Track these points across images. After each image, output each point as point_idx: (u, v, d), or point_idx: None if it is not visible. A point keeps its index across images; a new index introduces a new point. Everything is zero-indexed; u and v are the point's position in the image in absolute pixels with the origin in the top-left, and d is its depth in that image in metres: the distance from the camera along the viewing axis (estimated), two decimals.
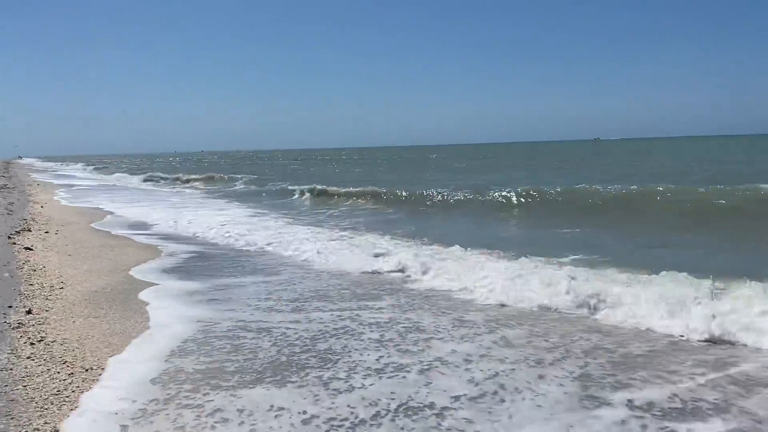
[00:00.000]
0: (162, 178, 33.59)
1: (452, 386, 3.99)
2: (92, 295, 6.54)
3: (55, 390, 3.90)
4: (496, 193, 15.24)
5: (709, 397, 3.71)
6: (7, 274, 7.27)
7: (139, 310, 5.92)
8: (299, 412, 3.62)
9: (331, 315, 5.78)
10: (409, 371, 4.28)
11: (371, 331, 5.25)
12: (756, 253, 8.40)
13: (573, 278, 6.20)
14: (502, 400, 3.77)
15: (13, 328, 5.17)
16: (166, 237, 11.03)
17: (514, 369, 4.30)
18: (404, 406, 3.71)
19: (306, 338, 5.06)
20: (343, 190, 18.99)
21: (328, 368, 4.36)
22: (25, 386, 3.94)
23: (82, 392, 3.88)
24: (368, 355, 4.63)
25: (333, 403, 3.77)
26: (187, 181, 30.88)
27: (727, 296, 5.34)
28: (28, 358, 4.47)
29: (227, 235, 10.99)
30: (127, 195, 23.06)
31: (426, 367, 4.36)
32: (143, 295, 6.52)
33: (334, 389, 3.98)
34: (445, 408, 3.67)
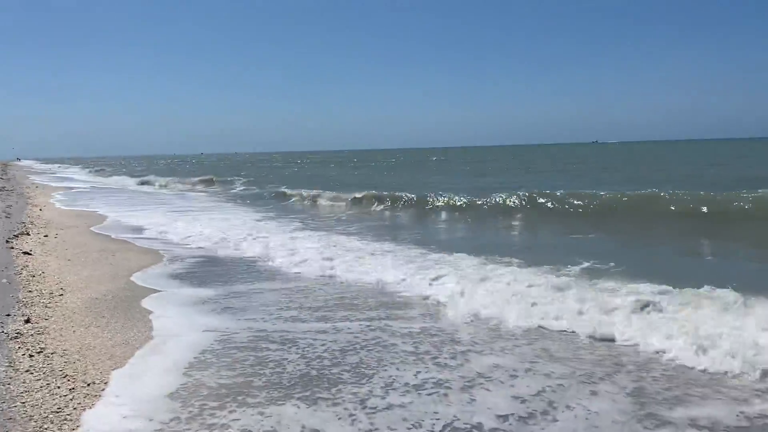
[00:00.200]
0: (163, 180, 33.26)
1: (498, 404, 3.74)
2: (93, 302, 6.32)
3: (56, 407, 3.68)
4: (509, 198, 14.76)
5: None
6: (5, 280, 7.05)
7: (142, 319, 5.70)
8: None
9: (360, 325, 5.51)
10: (450, 387, 4.02)
11: (404, 342, 4.98)
12: None
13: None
14: (555, 420, 3.53)
15: (11, 339, 4.96)
16: (168, 241, 10.79)
17: (562, 384, 4.05)
18: (449, 427, 3.47)
19: (335, 350, 4.82)
20: (347, 195, 18.43)
21: (363, 384, 4.11)
22: (23, 403, 3.72)
23: (84, 409, 3.67)
24: (404, 369, 4.36)
25: (372, 423, 3.53)
26: (190, 183, 30.56)
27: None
28: (26, 371, 4.25)
29: (232, 241, 10.74)
30: (127, 198, 22.81)
31: (468, 383, 4.09)
32: (146, 303, 6.30)
33: (372, 407, 3.74)
34: (493, 429, 3.44)
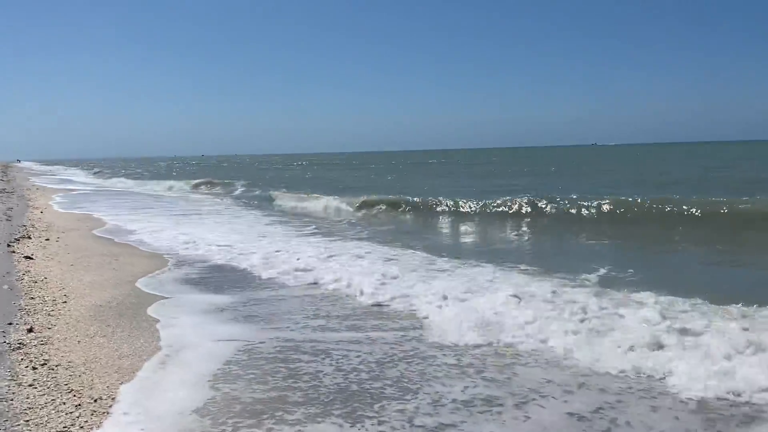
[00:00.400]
0: (164, 182, 33.04)
1: (555, 423, 3.50)
2: (97, 310, 6.11)
3: (62, 425, 3.46)
4: (526, 202, 14.32)
5: None
6: (6, 287, 6.85)
7: (149, 328, 5.48)
8: None
9: (394, 335, 5.25)
10: (502, 404, 3.77)
11: (444, 354, 4.72)
12: None
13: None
14: None
15: (13, 350, 4.74)
16: (172, 245, 10.55)
17: (620, 400, 3.81)
18: None
19: (371, 362, 4.57)
20: (356, 199, 17.72)
21: (408, 400, 3.86)
22: (27, 421, 3.51)
23: (92, 428, 3.46)
24: (450, 384, 4.11)
25: None
26: (192, 185, 30.29)
27: None
28: (30, 385, 4.03)
29: (241, 245, 10.53)
30: (129, 200, 22.60)
31: (522, 399, 3.84)
32: (152, 311, 6.08)
33: (421, 426, 3.49)
34: None
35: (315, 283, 7.31)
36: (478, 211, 14.91)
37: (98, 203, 20.55)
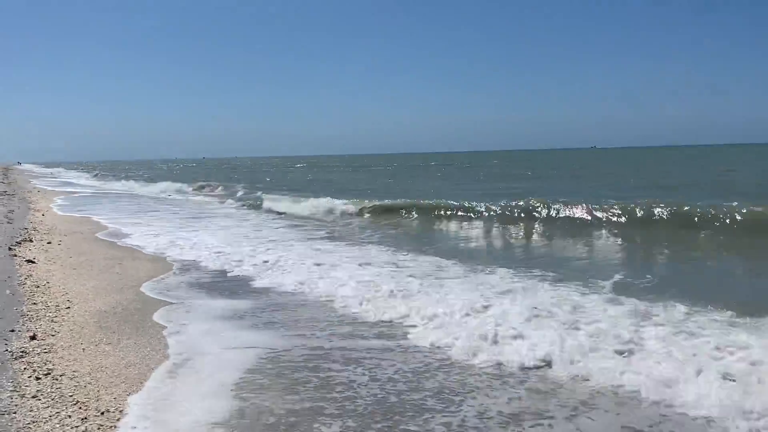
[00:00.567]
0: (166, 184, 32.83)
1: None
2: (102, 316, 5.94)
3: None
4: (538, 205, 13.65)
5: None
6: (8, 292, 6.67)
7: (155, 335, 5.31)
8: None
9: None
10: (553, 417, 3.61)
11: (480, 365, 4.53)
12: None
13: None
14: None
15: (15, 358, 4.57)
16: (177, 249, 10.38)
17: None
18: None
19: (407, 371, 4.39)
20: (364, 203, 16.99)
21: (452, 412, 3.68)
22: None
23: None
24: (494, 395, 3.93)
25: None
26: (194, 188, 30.07)
27: None
28: (33, 397, 3.86)
29: (248, 249, 10.35)
30: (130, 203, 22.43)
31: (572, 412, 3.67)
32: (158, 317, 5.91)
33: None
34: None
35: (331, 298, 6.64)
36: (492, 214, 14.14)
37: (100, 206, 20.38)
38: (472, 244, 11.51)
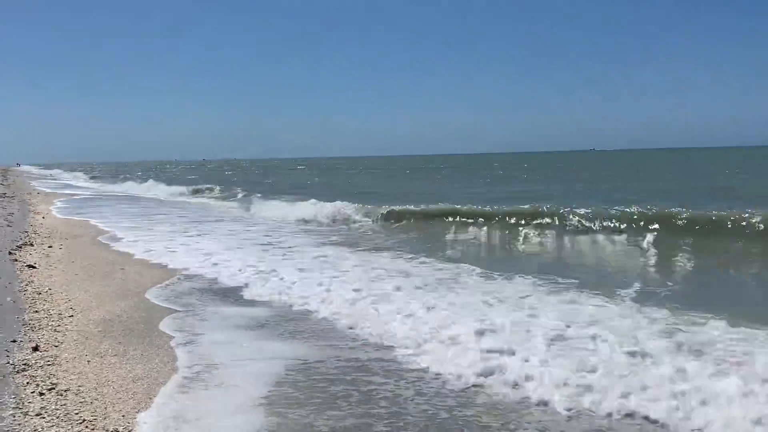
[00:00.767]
0: (167, 187, 32.58)
1: None
2: (106, 325, 5.73)
3: None
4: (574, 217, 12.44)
5: None
6: (9, 299, 6.46)
7: (162, 346, 5.10)
8: None
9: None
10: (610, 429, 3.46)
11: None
12: None
13: None
14: None
15: (17, 371, 4.37)
16: (181, 253, 10.17)
17: None
18: None
19: (453, 383, 4.19)
20: (378, 209, 15.69)
21: (512, 429, 3.51)
22: None
23: None
24: (557, 407, 3.73)
25: None
26: (195, 191, 29.78)
27: None
28: (37, 415, 3.66)
29: (257, 254, 10.13)
30: (131, 205, 22.20)
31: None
32: (165, 326, 5.70)
33: None
34: None
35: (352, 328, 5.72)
36: (505, 220, 13.13)
37: (100, 208, 20.16)
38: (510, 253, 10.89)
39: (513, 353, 4.53)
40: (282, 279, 7.71)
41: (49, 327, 5.56)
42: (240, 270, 8.36)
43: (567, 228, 11.82)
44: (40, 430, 3.46)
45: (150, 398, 3.99)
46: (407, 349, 4.88)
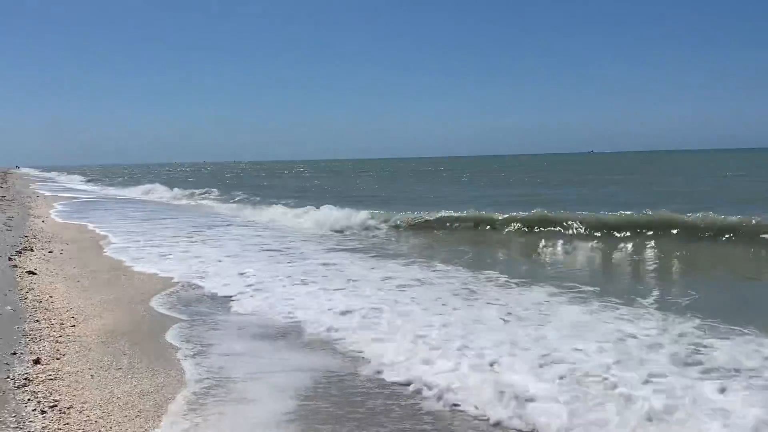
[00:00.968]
0: (168, 190, 32.34)
1: None
2: (110, 335, 5.52)
3: None
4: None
5: None
6: (9, 308, 6.25)
7: (169, 358, 4.88)
8: None
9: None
10: None
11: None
12: None
13: None
14: None
15: (18, 387, 4.15)
16: (183, 259, 9.95)
17: None
18: None
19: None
20: (391, 216, 14.91)
21: None
22: None
23: None
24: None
25: None
26: (196, 194, 29.51)
27: None
28: None
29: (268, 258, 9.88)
30: (133, 209, 21.98)
31: None
32: (171, 337, 5.47)
33: None
34: None
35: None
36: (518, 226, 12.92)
37: (101, 212, 19.95)
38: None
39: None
40: (304, 285, 7.55)
41: (51, 338, 5.34)
42: (253, 277, 8.13)
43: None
44: None
45: (159, 416, 3.77)
46: (449, 360, 4.56)
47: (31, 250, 10.36)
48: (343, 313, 6.06)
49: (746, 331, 5.14)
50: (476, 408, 3.79)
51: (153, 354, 5.00)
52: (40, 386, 4.19)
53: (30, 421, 3.62)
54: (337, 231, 13.92)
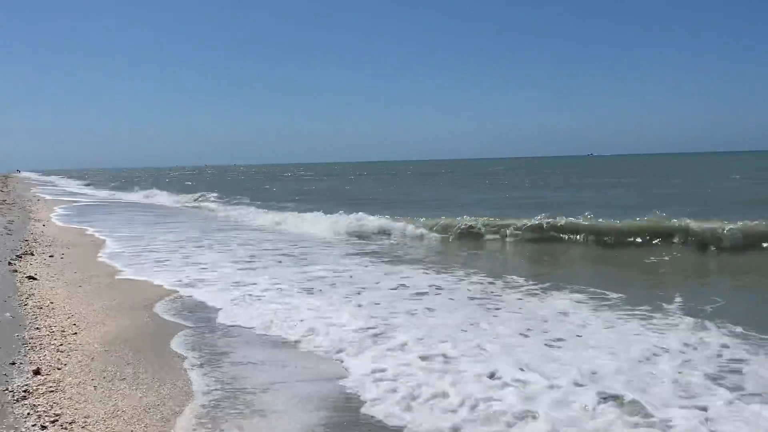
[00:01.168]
0: (169, 193, 32.11)
1: None
2: (113, 343, 5.30)
3: None
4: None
5: None
6: (8, 314, 6.03)
7: (174, 367, 4.67)
8: None
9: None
10: None
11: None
12: None
13: None
14: None
15: (17, 400, 3.93)
16: (186, 264, 9.73)
17: None
18: None
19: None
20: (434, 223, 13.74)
21: None
22: None
23: None
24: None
25: None
26: (196, 198, 29.21)
27: None
28: None
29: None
30: (133, 212, 21.78)
31: None
32: (177, 345, 5.26)
33: None
34: None
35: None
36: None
37: (101, 216, 19.75)
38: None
39: None
40: (320, 291, 7.40)
41: (51, 346, 5.13)
42: (263, 282, 7.95)
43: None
44: None
45: (165, 431, 3.55)
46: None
47: (32, 254, 10.15)
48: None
49: None
50: None
51: (161, 363, 4.79)
52: (40, 399, 3.97)
53: None
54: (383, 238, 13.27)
